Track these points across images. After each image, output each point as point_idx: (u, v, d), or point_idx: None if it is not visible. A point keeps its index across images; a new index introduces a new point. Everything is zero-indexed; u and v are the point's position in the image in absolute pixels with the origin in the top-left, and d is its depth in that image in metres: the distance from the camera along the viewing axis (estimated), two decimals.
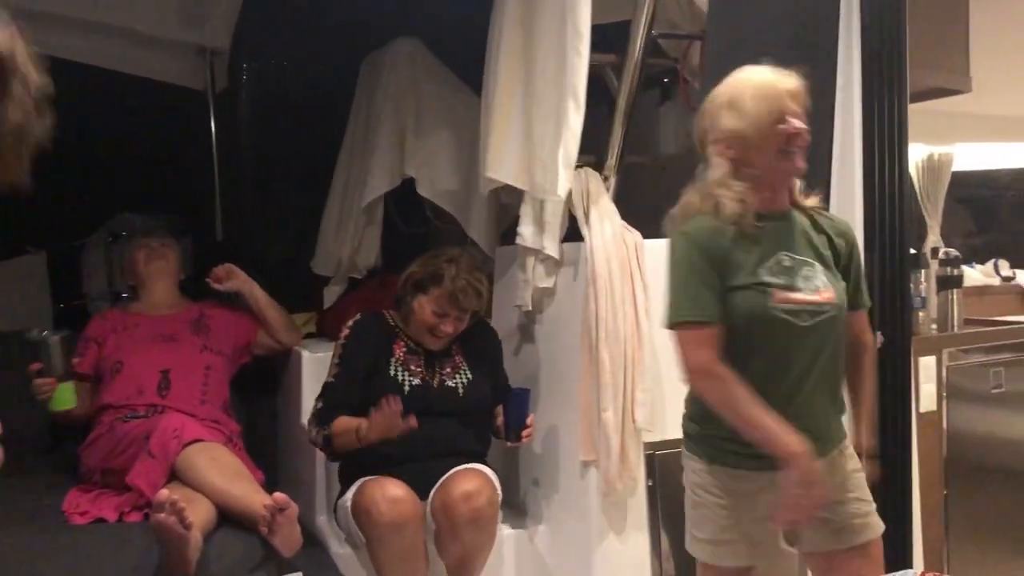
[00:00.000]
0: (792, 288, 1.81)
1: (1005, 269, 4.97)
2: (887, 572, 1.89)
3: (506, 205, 3.17)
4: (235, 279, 3.05)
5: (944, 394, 3.02)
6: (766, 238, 1.83)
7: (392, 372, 2.56)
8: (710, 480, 1.89)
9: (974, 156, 5.35)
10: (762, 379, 1.78)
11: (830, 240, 1.92)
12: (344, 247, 3.36)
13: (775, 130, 1.78)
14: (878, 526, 1.92)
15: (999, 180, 6.61)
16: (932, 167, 5.16)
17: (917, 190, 4.92)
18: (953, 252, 3.26)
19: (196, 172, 3.80)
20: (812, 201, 1.96)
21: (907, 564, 2.49)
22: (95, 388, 2.86)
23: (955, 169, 5.22)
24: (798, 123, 1.80)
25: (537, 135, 2.54)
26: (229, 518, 2.31)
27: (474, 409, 2.63)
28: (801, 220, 1.91)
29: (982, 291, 4.62)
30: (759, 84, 1.82)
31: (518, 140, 2.61)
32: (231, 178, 3.72)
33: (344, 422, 2.46)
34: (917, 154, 5.03)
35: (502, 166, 2.62)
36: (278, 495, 2.18)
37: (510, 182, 2.62)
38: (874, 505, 1.93)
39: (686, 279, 1.81)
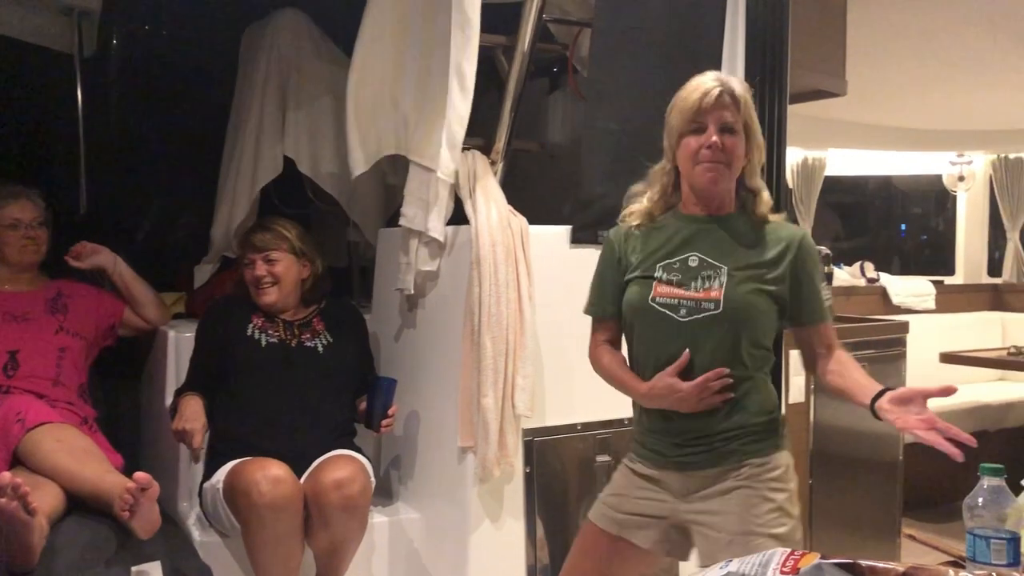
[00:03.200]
0: (680, 285, 1.84)
1: (870, 271, 5.24)
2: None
3: (392, 187, 3.10)
4: (97, 255, 2.87)
5: (812, 387, 3.12)
6: (679, 237, 1.88)
7: (249, 333, 2.59)
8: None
9: (844, 162, 5.60)
10: (643, 365, 1.90)
11: (766, 249, 1.85)
12: (219, 225, 3.23)
13: (684, 140, 1.84)
14: None
15: (867, 187, 6.97)
16: (806, 171, 5.38)
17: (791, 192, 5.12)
18: (824, 250, 3.37)
19: (59, 140, 3.57)
20: (772, 214, 1.90)
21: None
22: None
23: (827, 174, 5.47)
24: (709, 137, 1.80)
25: (425, 111, 2.50)
26: (80, 504, 2.17)
27: (336, 371, 2.61)
28: (739, 226, 1.87)
29: (849, 291, 4.86)
30: (684, 89, 1.87)
31: (399, 111, 2.58)
32: (97, 148, 3.51)
33: (185, 401, 2.48)
34: (792, 157, 5.23)
35: (387, 140, 2.57)
36: (139, 474, 2.05)
37: (392, 151, 2.58)
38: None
39: (595, 275, 2.02)
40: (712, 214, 1.88)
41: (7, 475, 1.83)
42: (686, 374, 1.82)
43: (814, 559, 0.98)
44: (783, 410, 2.20)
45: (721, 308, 1.80)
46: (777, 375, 2.70)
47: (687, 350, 1.81)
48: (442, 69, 2.51)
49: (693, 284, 1.83)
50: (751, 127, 1.84)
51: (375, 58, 2.68)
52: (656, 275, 1.87)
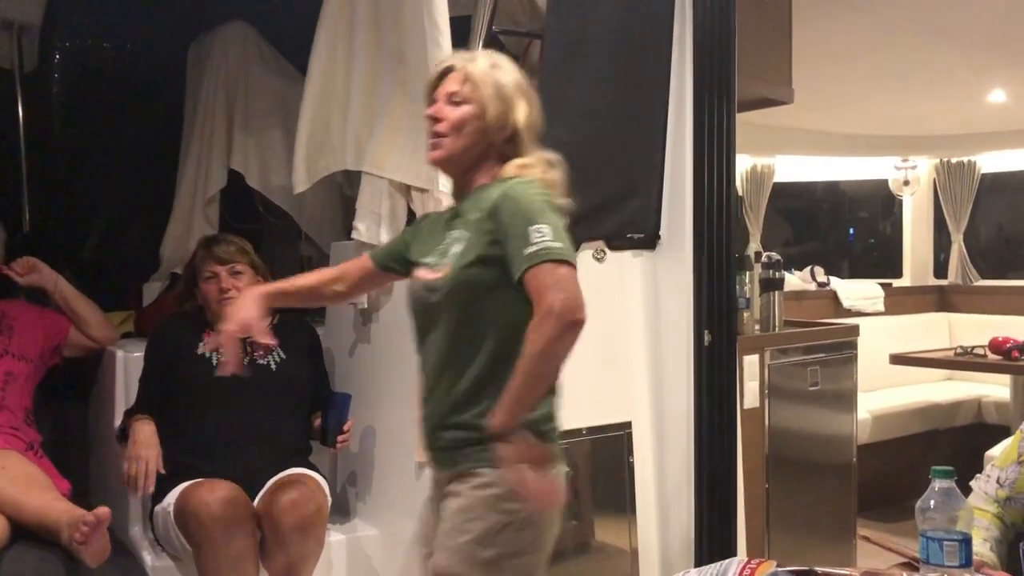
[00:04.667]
0: (433, 267, 1.73)
1: (820, 275, 5.31)
2: (713, 562, 1.92)
3: (349, 198, 3.07)
4: (37, 273, 2.79)
5: (766, 391, 3.15)
6: (448, 220, 1.79)
7: (200, 351, 2.55)
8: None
9: (792, 168, 5.69)
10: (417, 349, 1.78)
11: (487, 207, 1.67)
12: (168, 242, 3.19)
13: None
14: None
15: (815, 192, 7.08)
16: (755, 177, 5.45)
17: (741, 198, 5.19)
18: (775, 256, 3.41)
19: (0, 156, 3.49)
20: (517, 171, 1.70)
21: (731, 553, 2.58)
22: None
23: (775, 180, 5.55)
24: (431, 109, 1.74)
25: (405, 127, 2.48)
26: (25, 533, 2.10)
27: (290, 388, 2.58)
28: (484, 196, 1.70)
29: (799, 296, 4.92)
30: None
31: (382, 133, 2.55)
32: (40, 165, 3.43)
33: (138, 427, 2.42)
34: (742, 165, 5.30)
35: (383, 160, 2.54)
36: (101, 509, 2.02)
37: (377, 173, 2.55)
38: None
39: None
40: (466, 191, 1.77)
41: None
42: (427, 354, 1.72)
43: (770, 567, 0.99)
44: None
45: (442, 289, 1.68)
46: (732, 380, 2.74)
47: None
48: (397, 80, 2.50)
49: (440, 264, 1.71)
50: (484, 99, 1.69)
51: (329, 74, 2.66)
52: (424, 260, 1.77)
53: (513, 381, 1.57)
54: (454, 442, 1.68)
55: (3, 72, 3.45)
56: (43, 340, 2.77)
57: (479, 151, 1.74)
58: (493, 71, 1.74)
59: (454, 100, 1.72)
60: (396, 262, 1.89)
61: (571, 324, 1.55)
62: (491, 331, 1.65)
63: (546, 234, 1.58)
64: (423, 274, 1.74)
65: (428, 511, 1.81)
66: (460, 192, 1.80)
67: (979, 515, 1.73)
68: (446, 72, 1.75)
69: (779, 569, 0.97)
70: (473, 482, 1.63)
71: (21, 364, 2.67)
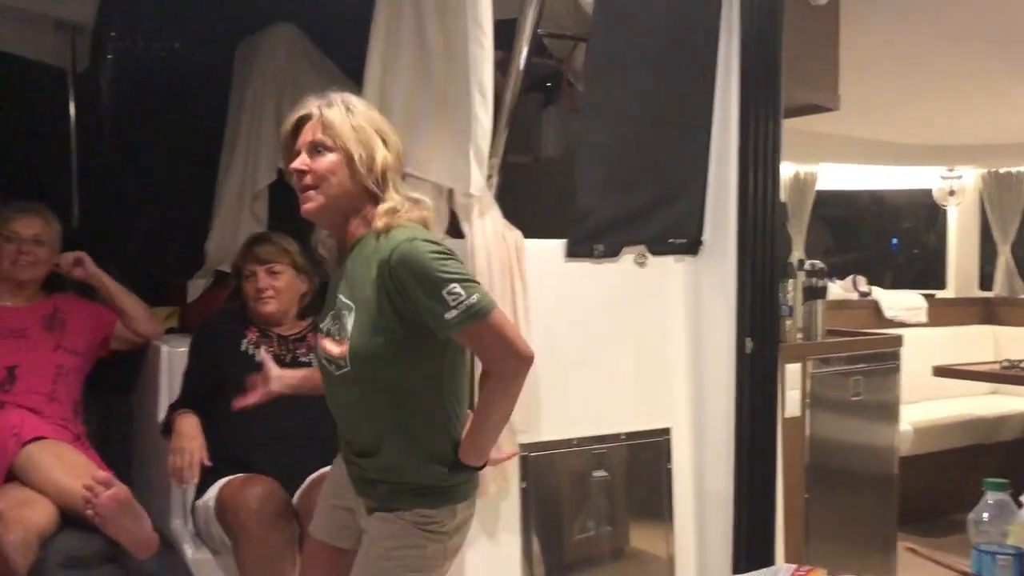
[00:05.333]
0: (330, 336, 1.72)
1: (863, 285, 5.24)
2: (754, 570, 1.90)
3: None
4: (83, 268, 2.83)
5: (807, 401, 3.11)
6: (336, 277, 1.77)
7: (243, 348, 2.57)
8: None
9: (835, 176, 5.62)
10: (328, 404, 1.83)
11: (379, 274, 1.64)
12: (213, 240, 3.24)
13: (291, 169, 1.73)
14: None
15: (859, 201, 7.00)
16: (798, 185, 5.40)
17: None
18: (819, 264, 3.38)
19: (52, 154, 3.56)
20: (387, 219, 1.68)
21: (770, 563, 2.55)
22: None
23: (818, 188, 5.49)
24: (296, 163, 1.70)
25: (447, 129, 2.49)
26: (75, 521, 2.15)
27: None
28: (363, 252, 1.69)
29: (841, 305, 4.86)
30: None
31: (424, 134, 2.56)
32: (90, 162, 3.50)
33: (181, 420, 2.44)
34: (785, 172, 5.25)
35: (427, 162, 2.55)
36: (99, 474, 2.05)
37: (419, 175, 2.55)
38: None
39: None
40: (345, 241, 1.74)
41: None
42: (343, 430, 1.80)
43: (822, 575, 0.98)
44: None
45: (349, 366, 1.67)
46: (773, 388, 2.71)
47: None
48: (439, 82, 2.50)
49: (340, 334, 1.70)
50: (347, 144, 1.68)
51: (380, 76, 2.66)
52: (322, 325, 1.76)
53: (482, 423, 1.72)
54: (387, 492, 1.73)
55: (56, 71, 3.53)
56: (92, 333, 2.83)
57: (350, 198, 1.71)
58: (349, 115, 1.70)
59: (317, 150, 1.69)
60: None
61: (527, 363, 1.69)
62: (402, 393, 1.69)
63: (460, 293, 1.59)
64: (326, 346, 1.73)
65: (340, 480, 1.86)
66: (340, 243, 1.78)
67: None
68: (302, 121, 1.72)
69: None
70: (404, 515, 1.70)
71: (73, 358, 2.73)
